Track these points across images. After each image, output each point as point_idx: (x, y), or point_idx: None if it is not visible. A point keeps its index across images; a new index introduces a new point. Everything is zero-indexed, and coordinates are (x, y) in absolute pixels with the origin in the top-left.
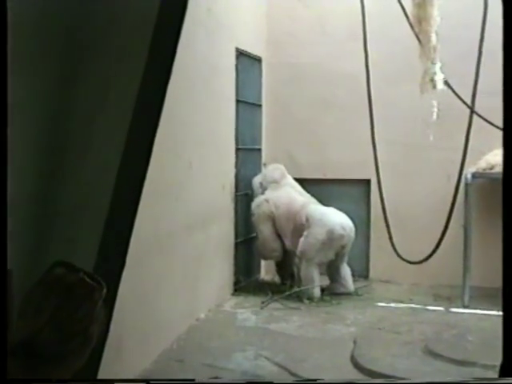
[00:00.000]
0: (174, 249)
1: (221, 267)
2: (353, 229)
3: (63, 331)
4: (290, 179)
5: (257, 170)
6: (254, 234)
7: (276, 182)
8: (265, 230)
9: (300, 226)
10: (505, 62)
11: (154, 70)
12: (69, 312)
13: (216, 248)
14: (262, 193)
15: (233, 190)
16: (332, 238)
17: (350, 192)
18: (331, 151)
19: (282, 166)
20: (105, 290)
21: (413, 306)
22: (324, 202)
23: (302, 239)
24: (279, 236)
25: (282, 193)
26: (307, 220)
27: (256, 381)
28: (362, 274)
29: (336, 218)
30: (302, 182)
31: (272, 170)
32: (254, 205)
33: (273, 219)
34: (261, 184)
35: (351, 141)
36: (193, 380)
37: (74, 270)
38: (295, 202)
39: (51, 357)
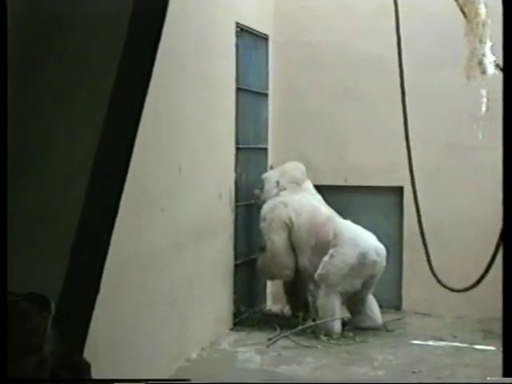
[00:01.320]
0: (160, 272)
1: (217, 295)
2: (385, 255)
3: (10, 351)
4: (310, 184)
5: (262, 174)
6: (262, 246)
7: (297, 183)
8: (277, 241)
9: (324, 243)
10: (505, 61)
11: (132, 60)
12: (8, 333)
13: (211, 271)
14: (277, 194)
15: (232, 199)
16: (364, 263)
17: (377, 203)
18: (354, 152)
19: (302, 166)
20: (52, 311)
21: (457, 344)
22: (344, 214)
23: (325, 259)
24: (293, 251)
25: (304, 198)
26: (335, 237)
27: (255, 381)
28: (392, 304)
29: (370, 240)
30: (318, 188)
31: (293, 167)
32: (265, 208)
33: (289, 228)
34: (277, 183)
35: (379, 139)
36: (188, 380)
37: (11, 293)
38: (320, 213)
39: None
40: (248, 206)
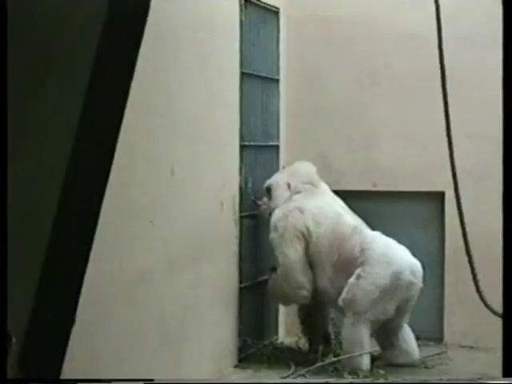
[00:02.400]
0: (149, 297)
1: (219, 325)
2: (422, 274)
3: None
4: (327, 188)
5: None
6: (273, 266)
7: (313, 185)
8: (292, 255)
9: (348, 260)
10: (505, 61)
11: (111, 45)
12: None
13: (211, 296)
14: (290, 198)
15: (236, 208)
16: (398, 285)
17: (412, 212)
18: (384, 150)
19: (313, 167)
20: (12, 345)
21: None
22: (373, 226)
23: (351, 281)
24: (311, 268)
25: (324, 203)
26: (362, 252)
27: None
28: (432, 335)
29: (404, 256)
30: (341, 195)
31: (305, 166)
32: (277, 214)
33: (306, 240)
34: (288, 185)
35: (415, 135)
36: (191, 379)
37: None
38: (345, 222)
39: None
40: (256, 216)
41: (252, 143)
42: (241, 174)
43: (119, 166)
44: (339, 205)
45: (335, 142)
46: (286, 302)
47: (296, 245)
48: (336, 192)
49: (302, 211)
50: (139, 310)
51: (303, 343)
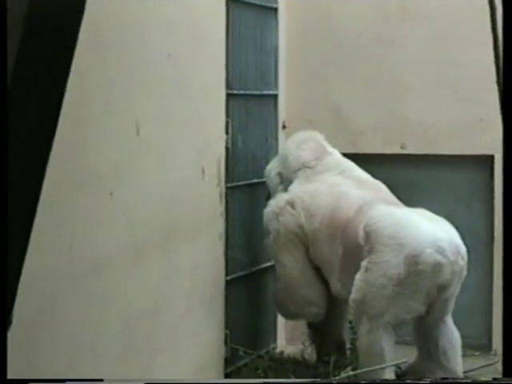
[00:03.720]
0: (108, 292)
1: (199, 329)
2: (462, 252)
3: None
4: (335, 157)
5: (268, 137)
6: (267, 264)
7: (308, 167)
8: (290, 264)
9: (355, 250)
10: (505, 61)
11: None
12: None
13: (189, 291)
14: (285, 190)
15: (222, 177)
16: (418, 271)
17: (452, 181)
18: (415, 103)
19: (318, 135)
20: None
21: None
22: (404, 199)
23: (357, 276)
24: (319, 273)
25: (321, 186)
26: (367, 237)
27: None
28: (478, 343)
29: (424, 231)
30: (358, 160)
31: (300, 143)
32: (267, 213)
33: (303, 241)
34: (279, 175)
35: (455, 83)
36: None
37: None
38: (345, 202)
39: None
40: (249, 187)
41: (242, 92)
42: (227, 131)
43: (68, 123)
44: (352, 177)
45: (351, 91)
46: (294, 319)
47: (293, 251)
48: (353, 156)
49: (293, 205)
50: (94, 309)
51: (310, 353)
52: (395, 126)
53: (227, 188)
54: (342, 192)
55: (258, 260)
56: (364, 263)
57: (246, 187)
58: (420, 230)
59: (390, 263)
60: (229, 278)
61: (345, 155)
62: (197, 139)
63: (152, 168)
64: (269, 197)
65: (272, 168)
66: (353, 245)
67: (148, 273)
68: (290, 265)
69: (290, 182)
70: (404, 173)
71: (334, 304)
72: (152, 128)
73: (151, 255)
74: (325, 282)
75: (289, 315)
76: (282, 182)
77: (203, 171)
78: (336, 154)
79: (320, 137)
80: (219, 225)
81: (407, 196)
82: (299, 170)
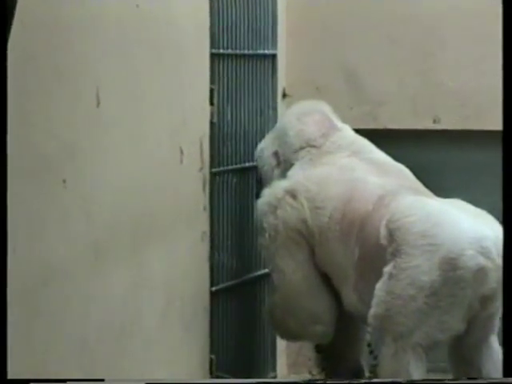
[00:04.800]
0: (60, 306)
1: (176, 353)
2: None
3: None
4: (346, 134)
5: (265, 108)
6: (263, 272)
7: (313, 146)
8: (291, 269)
9: (375, 252)
10: (505, 61)
11: None
12: None
13: (164, 306)
14: (282, 174)
15: (205, 159)
16: (456, 277)
17: (498, 164)
18: (449, 66)
19: (324, 105)
20: None
21: None
22: (436, 187)
23: (378, 286)
24: (327, 282)
25: (330, 171)
26: (391, 236)
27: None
28: None
29: (466, 227)
30: (378, 138)
31: (301, 115)
32: (261, 206)
33: (308, 241)
34: (275, 155)
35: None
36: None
37: None
38: (362, 191)
39: None
40: (240, 173)
41: (231, 51)
42: (212, 102)
43: (8, 94)
44: (368, 159)
45: (370, 50)
46: (295, 340)
47: (295, 253)
48: (369, 132)
49: (294, 195)
50: (44, 328)
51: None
52: (426, 95)
53: (212, 174)
54: (358, 179)
55: (252, 266)
56: (387, 269)
57: (237, 173)
58: (459, 226)
59: (420, 268)
60: (214, 288)
61: (361, 131)
62: (173, 112)
63: (115, 149)
64: (260, 184)
65: (266, 146)
66: (372, 246)
67: (111, 283)
68: (291, 271)
69: (290, 164)
70: (436, 154)
71: (348, 321)
72: (116, 98)
73: (115, 260)
74: (335, 293)
75: (289, 335)
76: (278, 164)
77: (181, 152)
78: (347, 130)
79: (327, 108)
80: (202, 221)
81: (439, 183)
82: (302, 149)
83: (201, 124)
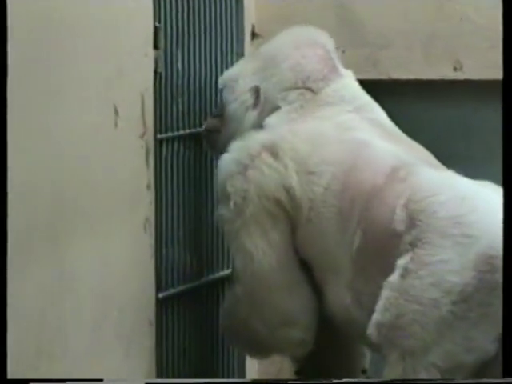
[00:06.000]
0: None
1: (116, 373)
2: None
3: None
4: (349, 84)
5: (228, 52)
6: (224, 273)
7: (310, 90)
8: (262, 251)
9: (385, 238)
10: (505, 62)
11: None
12: None
13: (98, 318)
14: (258, 121)
15: (148, 123)
16: (496, 282)
17: None
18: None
19: (327, 38)
20: None
21: None
22: (454, 159)
23: (387, 284)
24: (308, 273)
25: (327, 126)
26: (411, 219)
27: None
28: None
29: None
30: (380, 91)
31: (301, 45)
32: (225, 166)
33: (290, 217)
34: (254, 90)
35: None
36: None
37: None
38: (369, 158)
39: None
40: (195, 140)
41: None
42: (157, 45)
43: None
44: (376, 123)
45: None
46: (261, 353)
47: (269, 231)
48: (371, 85)
49: (275, 154)
50: None
51: None
52: (443, 33)
53: (158, 141)
54: (363, 141)
55: (211, 265)
56: (402, 262)
57: (191, 140)
58: (498, 211)
59: (449, 265)
60: (161, 295)
61: (362, 82)
62: (104, 59)
63: (28, 111)
64: (212, 136)
65: (240, 75)
66: (382, 231)
67: (23, 288)
68: (261, 253)
69: (272, 108)
70: (456, 112)
71: (333, 331)
72: (27, 39)
73: (28, 257)
74: (317, 289)
75: (254, 344)
76: (255, 104)
77: (116, 113)
78: (351, 79)
79: (330, 42)
80: (144, 205)
81: (461, 151)
82: (295, 89)
83: (142, 75)
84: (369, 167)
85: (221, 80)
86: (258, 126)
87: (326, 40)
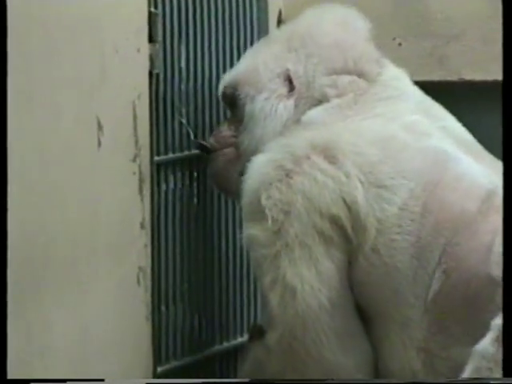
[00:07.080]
0: None
1: None
2: None
3: None
4: (401, 77)
5: (248, 46)
6: (256, 325)
7: (364, 76)
8: (307, 288)
9: (480, 287)
10: (505, 62)
11: None
12: None
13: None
14: (296, 115)
15: (143, 142)
16: None
17: None
18: None
19: (367, 23)
20: None
21: None
22: None
23: (479, 348)
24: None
25: (394, 128)
26: None
27: (256, 380)
28: None
29: None
30: (441, 95)
31: (344, 24)
32: (255, 172)
33: (349, 239)
34: (285, 76)
35: None
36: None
37: None
38: (457, 176)
39: None
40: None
41: None
42: (153, 38)
43: None
44: (445, 129)
45: None
46: None
47: (321, 259)
48: (437, 87)
49: (332, 157)
50: None
51: None
52: None
53: (155, 165)
54: (448, 153)
55: (224, 329)
56: (499, 322)
57: (199, 164)
58: None
59: None
60: (160, 369)
61: (418, 84)
62: (83, 56)
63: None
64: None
65: (257, 63)
66: (472, 274)
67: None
68: (309, 289)
69: (313, 98)
70: None
71: None
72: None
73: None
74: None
75: None
76: (290, 91)
77: (99, 128)
78: (399, 72)
79: (366, 23)
80: (137, 251)
81: None
82: (345, 74)
83: (133, 77)
84: (460, 187)
85: (227, 79)
86: (294, 122)
87: (362, 20)
